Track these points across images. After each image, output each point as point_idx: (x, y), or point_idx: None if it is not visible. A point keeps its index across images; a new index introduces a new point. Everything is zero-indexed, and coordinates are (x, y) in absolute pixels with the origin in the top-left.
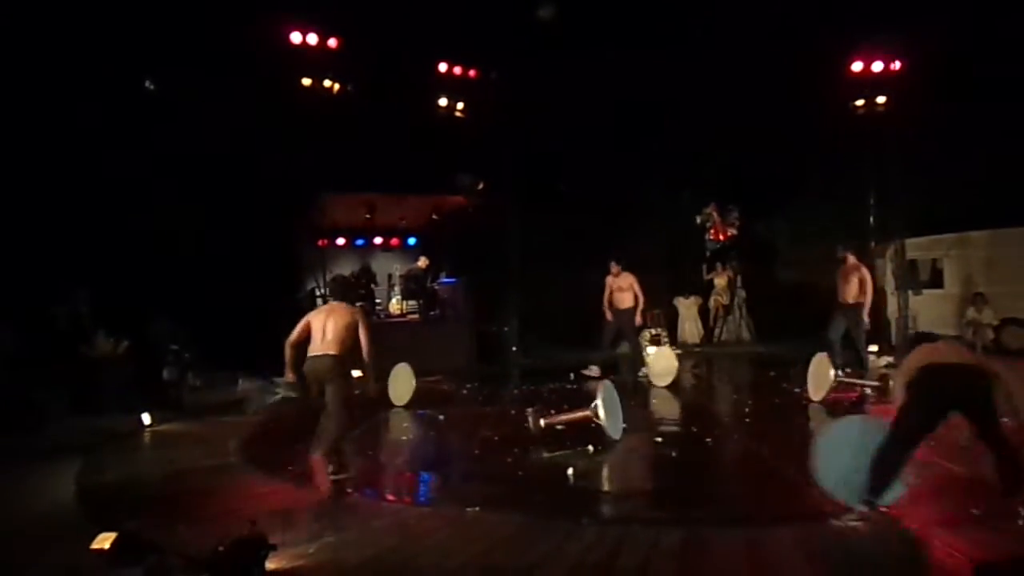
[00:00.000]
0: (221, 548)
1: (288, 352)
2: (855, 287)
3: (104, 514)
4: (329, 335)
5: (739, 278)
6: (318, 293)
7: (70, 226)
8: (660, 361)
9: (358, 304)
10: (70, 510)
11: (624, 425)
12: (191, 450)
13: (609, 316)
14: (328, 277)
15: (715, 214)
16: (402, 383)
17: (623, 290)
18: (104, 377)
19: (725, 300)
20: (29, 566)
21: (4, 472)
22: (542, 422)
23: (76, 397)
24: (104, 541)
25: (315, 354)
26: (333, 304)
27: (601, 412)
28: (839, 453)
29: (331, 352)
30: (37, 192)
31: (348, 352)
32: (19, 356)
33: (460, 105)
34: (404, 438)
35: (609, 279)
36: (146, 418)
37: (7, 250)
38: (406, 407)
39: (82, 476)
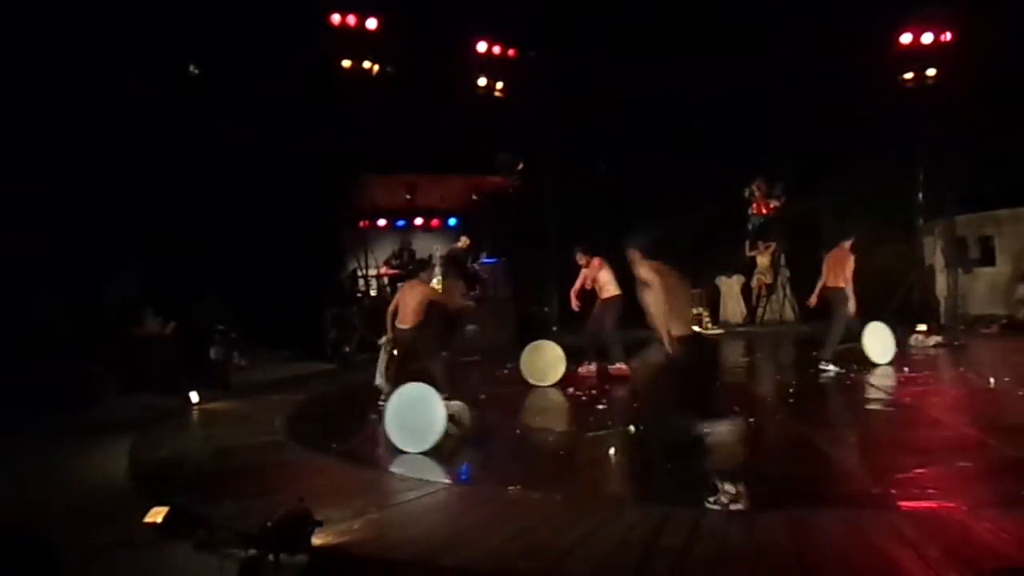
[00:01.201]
0: (269, 523)
1: (388, 319)
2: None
3: (155, 489)
4: (406, 311)
5: (782, 256)
6: (360, 274)
7: (119, 207)
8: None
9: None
10: (122, 485)
11: (434, 440)
12: (238, 428)
13: (575, 305)
14: (371, 258)
15: (758, 189)
16: (545, 359)
17: (598, 281)
18: (152, 356)
19: (768, 279)
20: (84, 539)
21: (58, 448)
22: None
23: (125, 376)
24: (156, 515)
25: (397, 326)
26: (409, 283)
27: (387, 425)
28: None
29: (405, 325)
30: (87, 172)
31: (422, 322)
32: (69, 334)
33: (499, 85)
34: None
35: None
36: (194, 396)
37: (58, 229)
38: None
39: (134, 452)
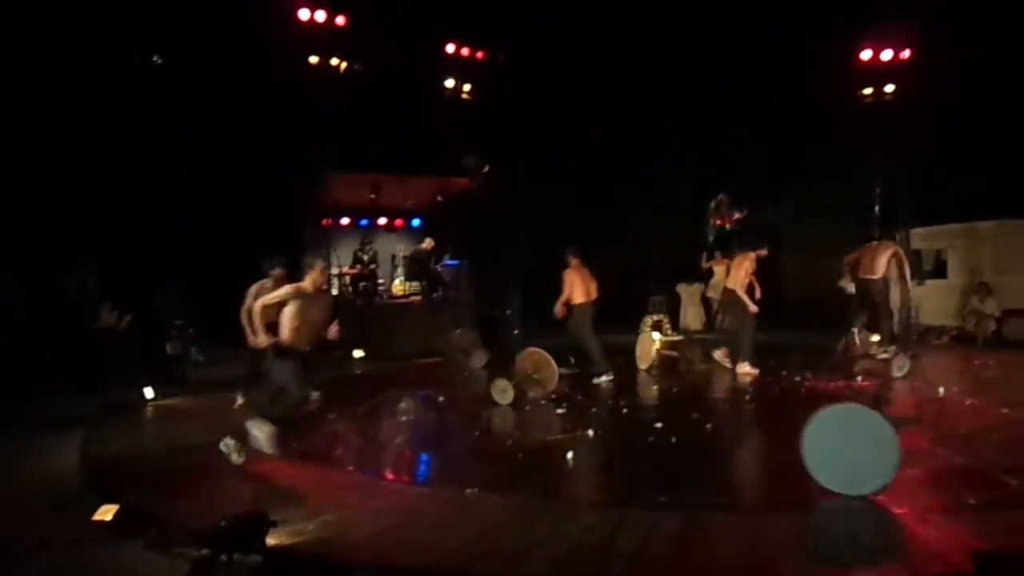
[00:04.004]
0: (223, 523)
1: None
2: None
3: (106, 486)
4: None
5: None
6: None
7: (79, 199)
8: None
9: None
10: (73, 481)
11: None
12: (193, 425)
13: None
14: (334, 256)
15: (722, 204)
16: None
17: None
18: (108, 350)
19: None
20: (31, 535)
21: (8, 441)
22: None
23: (80, 369)
24: (106, 513)
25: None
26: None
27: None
28: (830, 443)
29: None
30: (50, 164)
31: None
32: (26, 326)
33: (467, 87)
34: (404, 419)
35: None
36: (149, 392)
37: (16, 221)
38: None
39: (85, 448)
